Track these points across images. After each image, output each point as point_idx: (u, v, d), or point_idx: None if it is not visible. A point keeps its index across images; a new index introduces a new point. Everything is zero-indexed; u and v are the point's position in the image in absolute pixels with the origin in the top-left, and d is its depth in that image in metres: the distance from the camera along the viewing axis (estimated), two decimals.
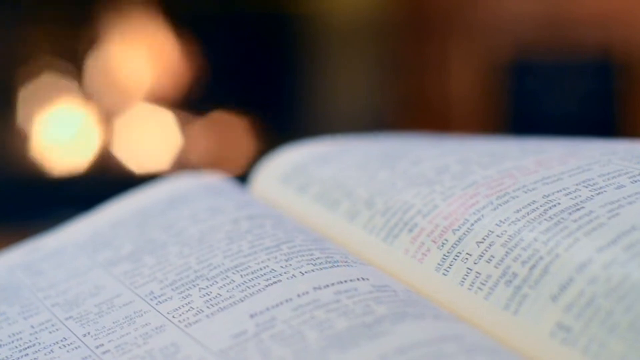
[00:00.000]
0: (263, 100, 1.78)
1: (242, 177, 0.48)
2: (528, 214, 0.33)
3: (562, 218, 0.32)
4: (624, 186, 0.33)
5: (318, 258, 0.34)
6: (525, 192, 0.34)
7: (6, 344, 0.34)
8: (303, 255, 0.34)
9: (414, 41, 1.78)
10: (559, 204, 0.33)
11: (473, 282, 0.32)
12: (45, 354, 0.33)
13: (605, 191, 0.33)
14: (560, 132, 0.49)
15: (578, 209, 0.32)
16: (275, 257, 0.34)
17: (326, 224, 0.39)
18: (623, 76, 1.68)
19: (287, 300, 0.31)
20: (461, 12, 1.76)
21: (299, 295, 0.31)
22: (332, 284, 0.32)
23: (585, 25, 1.67)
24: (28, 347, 0.33)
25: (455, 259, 0.33)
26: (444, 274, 0.33)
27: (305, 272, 0.33)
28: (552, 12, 1.69)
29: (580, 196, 0.33)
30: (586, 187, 0.34)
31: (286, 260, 0.34)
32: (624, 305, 0.28)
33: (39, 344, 0.33)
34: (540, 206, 0.33)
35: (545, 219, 0.32)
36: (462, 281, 0.32)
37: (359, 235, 0.37)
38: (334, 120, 1.74)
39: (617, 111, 1.70)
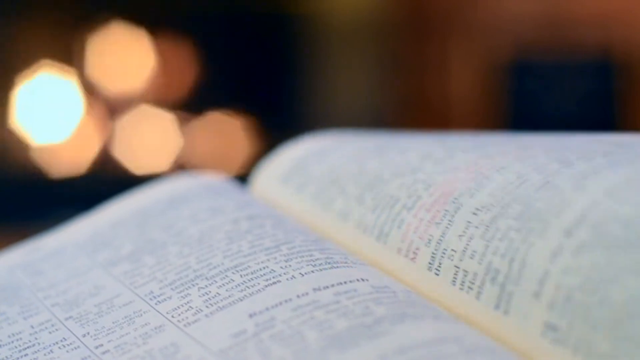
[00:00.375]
0: (263, 100, 1.78)
1: (242, 177, 0.48)
2: (502, 197, 0.33)
3: (531, 198, 0.32)
4: (594, 159, 0.32)
5: (318, 259, 0.34)
6: (498, 171, 0.34)
7: (6, 344, 0.34)
8: (303, 256, 0.34)
9: (414, 41, 1.78)
10: (528, 180, 0.33)
11: (463, 282, 0.32)
12: (45, 354, 0.33)
13: (573, 164, 0.32)
14: (560, 132, 0.48)
15: (546, 184, 0.32)
16: (275, 258, 0.34)
17: (323, 224, 0.39)
18: (623, 76, 1.68)
19: (286, 301, 0.31)
20: (461, 12, 1.76)
21: (298, 296, 0.31)
22: (332, 285, 0.32)
23: (585, 25, 1.67)
24: (28, 347, 0.33)
25: (443, 257, 0.33)
26: (436, 273, 0.33)
27: (305, 273, 0.33)
28: (552, 12, 1.69)
29: (548, 169, 0.33)
30: (557, 161, 0.33)
31: (286, 261, 0.34)
32: (597, 297, 0.27)
33: (39, 344, 0.33)
34: (510, 184, 0.33)
35: (516, 202, 0.32)
36: (454, 280, 0.32)
37: (354, 235, 0.37)
38: (333, 120, 1.74)
39: (617, 111, 1.70)
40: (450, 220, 0.33)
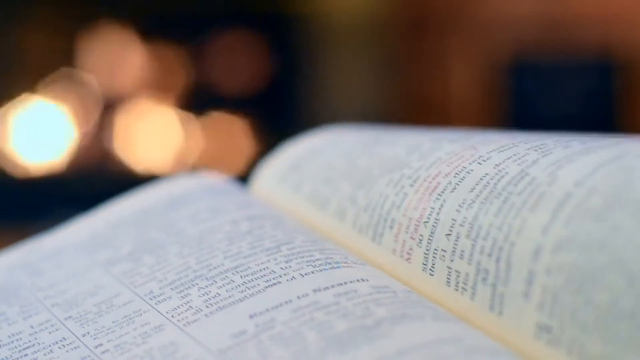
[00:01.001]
0: (263, 100, 1.78)
1: (243, 178, 0.48)
2: (481, 191, 0.32)
3: (509, 192, 0.31)
4: (571, 146, 0.32)
5: (318, 259, 0.34)
6: (480, 164, 0.34)
7: (6, 344, 0.34)
8: (303, 257, 0.34)
9: (414, 41, 1.78)
10: (507, 173, 0.32)
11: (457, 283, 0.31)
12: (44, 354, 0.33)
13: (551, 152, 0.32)
14: (560, 132, 0.48)
15: (523, 177, 0.31)
16: (275, 259, 0.34)
17: (322, 225, 0.38)
18: (623, 76, 1.68)
19: (286, 302, 0.31)
20: (461, 11, 1.76)
21: (298, 297, 0.31)
22: (332, 286, 0.32)
23: (585, 25, 1.67)
24: (28, 347, 0.33)
25: (435, 257, 0.33)
26: (430, 274, 0.33)
27: (305, 273, 0.33)
28: (552, 12, 1.69)
29: (527, 160, 0.32)
30: (536, 150, 0.33)
31: (286, 262, 0.34)
32: (583, 298, 0.27)
33: (39, 344, 0.33)
34: (491, 179, 0.32)
35: (495, 196, 0.31)
36: (448, 281, 0.32)
37: (350, 235, 0.37)
38: (334, 120, 1.74)
39: (617, 111, 1.70)
40: (436, 219, 0.33)
